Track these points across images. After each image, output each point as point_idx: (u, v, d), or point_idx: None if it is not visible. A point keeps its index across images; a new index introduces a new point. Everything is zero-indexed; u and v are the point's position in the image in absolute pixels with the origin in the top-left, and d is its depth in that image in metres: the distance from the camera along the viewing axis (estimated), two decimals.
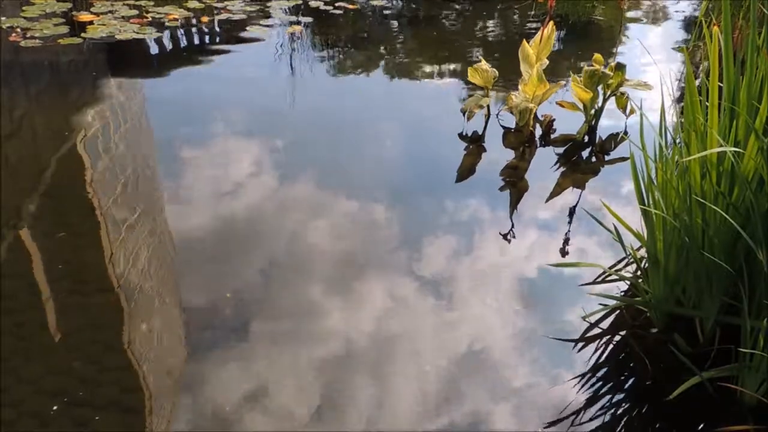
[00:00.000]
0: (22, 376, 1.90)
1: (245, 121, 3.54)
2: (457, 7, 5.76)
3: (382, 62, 4.50)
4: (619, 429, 1.85)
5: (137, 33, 4.55)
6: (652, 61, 4.27)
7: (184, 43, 4.70)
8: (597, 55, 3.36)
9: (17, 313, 2.13)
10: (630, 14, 5.79)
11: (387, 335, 2.11)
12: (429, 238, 2.60)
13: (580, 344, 2.12)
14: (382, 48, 4.75)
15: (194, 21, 4.96)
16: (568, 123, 3.45)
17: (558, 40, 4.92)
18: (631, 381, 2.01)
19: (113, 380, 1.92)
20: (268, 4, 5.35)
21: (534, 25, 5.21)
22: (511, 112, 3.41)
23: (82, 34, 4.43)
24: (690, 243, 1.95)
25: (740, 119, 1.89)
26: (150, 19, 4.85)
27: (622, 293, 2.35)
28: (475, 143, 3.38)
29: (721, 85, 1.95)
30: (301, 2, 5.42)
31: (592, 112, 3.38)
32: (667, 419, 1.88)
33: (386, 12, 5.53)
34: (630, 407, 1.92)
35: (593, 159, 3.29)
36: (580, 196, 2.95)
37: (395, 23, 5.31)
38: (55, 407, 1.80)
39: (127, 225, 2.60)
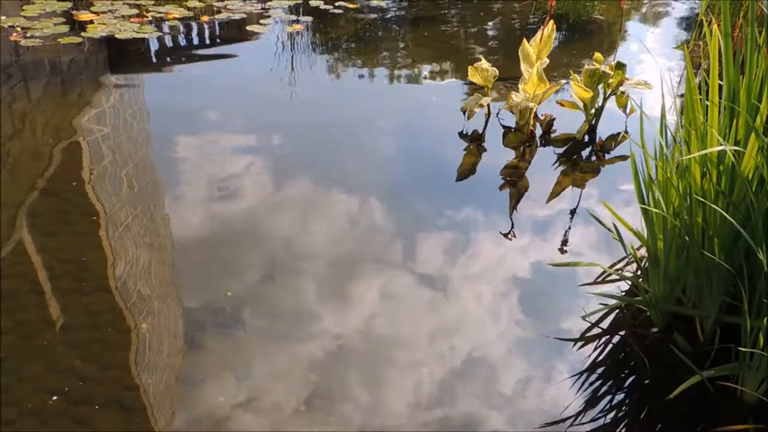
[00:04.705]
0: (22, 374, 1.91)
1: (245, 119, 3.54)
2: (457, 6, 5.75)
3: (383, 61, 4.50)
4: (619, 428, 1.85)
5: (137, 32, 4.55)
6: (652, 59, 4.27)
7: (183, 41, 4.70)
8: (597, 54, 3.35)
9: (17, 313, 2.13)
10: (630, 13, 5.78)
11: (384, 334, 2.11)
12: (428, 235, 2.60)
13: (580, 344, 2.12)
14: (382, 47, 4.74)
15: (194, 20, 4.95)
16: (569, 122, 3.44)
17: (558, 39, 4.91)
18: (631, 380, 2.01)
19: (113, 379, 1.92)
20: (268, 3, 5.34)
21: (534, 24, 5.20)
22: (512, 111, 3.41)
23: (82, 33, 4.43)
24: (690, 242, 1.95)
25: (740, 118, 1.89)
26: (150, 18, 4.85)
27: (622, 293, 2.35)
28: (475, 142, 3.38)
29: (721, 83, 1.95)
30: (301, 1, 5.42)
31: (593, 111, 3.38)
32: (667, 418, 1.88)
33: (387, 11, 5.52)
34: (630, 406, 1.92)
35: (593, 158, 3.29)
36: (580, 195, 2.95)
37: (396, 22, 5.31)
38: (54, 399, 1.80)
39: (127, 224, 2.60)
